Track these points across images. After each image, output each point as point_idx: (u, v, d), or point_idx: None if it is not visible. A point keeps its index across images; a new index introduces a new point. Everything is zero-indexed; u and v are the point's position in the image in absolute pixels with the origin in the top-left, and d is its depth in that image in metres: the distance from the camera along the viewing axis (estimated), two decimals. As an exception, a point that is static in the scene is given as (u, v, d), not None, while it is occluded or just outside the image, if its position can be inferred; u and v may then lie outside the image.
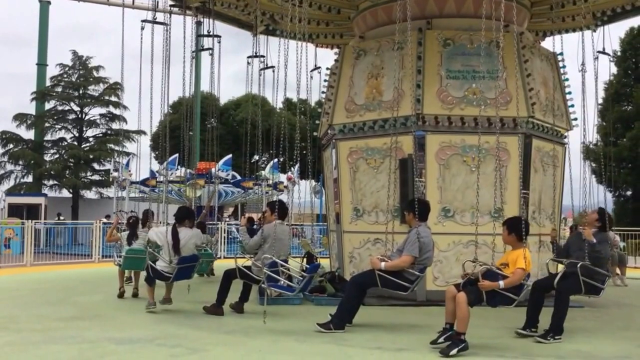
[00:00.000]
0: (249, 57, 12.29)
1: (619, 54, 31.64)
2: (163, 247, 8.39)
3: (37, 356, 5.87)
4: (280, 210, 8.51)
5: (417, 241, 7.04)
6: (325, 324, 7.08)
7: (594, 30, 11.59)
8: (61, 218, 27.57)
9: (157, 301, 8.52)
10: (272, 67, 12.25)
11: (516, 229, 6.55)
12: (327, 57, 13.20)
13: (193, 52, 11.17)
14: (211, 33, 11.63)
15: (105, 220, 21.57)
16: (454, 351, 5.95)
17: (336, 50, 12.72)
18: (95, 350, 6.10)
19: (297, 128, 8.33)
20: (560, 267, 7.25)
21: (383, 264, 7.08)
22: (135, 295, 10.06)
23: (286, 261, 8.09)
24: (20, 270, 15.32)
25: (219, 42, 11.88)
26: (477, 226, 6.83)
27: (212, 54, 11.51)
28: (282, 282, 8.00)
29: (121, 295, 10.02)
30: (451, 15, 10.15)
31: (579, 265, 6.69)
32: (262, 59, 12.23)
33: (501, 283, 6.22)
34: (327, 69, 11.56)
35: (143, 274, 9.85)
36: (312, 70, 11.69)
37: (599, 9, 11.36)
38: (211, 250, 11.97)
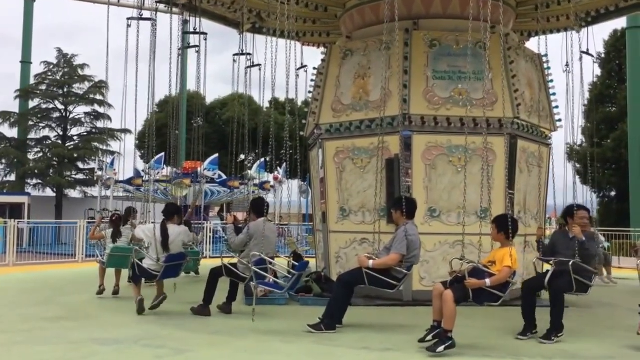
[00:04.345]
0: (235, 54, 12.26)
1: (603, 56, 31.91)
2: (150, 244, 8.32)
3: (21, 356, 5.83)
4: (259, 207, 8.45)
5: (405, 239, 7.05)
6: (316, 325, 7.07)
7: (578, 32, 11.68)
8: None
9: (143, 298, 8.39)
10: (259, 65, 12.23)
11: (505, 227, 6.63)
12: (314, 56, 13.20)
13: (179, 49, 11.11)
14: (197, 30, 11.57)
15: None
16: (441, 348, 6.00)
17: (322, 49, 12.70)
18: (79, 350, 6.07)
19: (285, 127, 8.29)
20: (548, 267, 7.26)
21: (371, 262, 7.09)
22: (115, 293, 10.01)
23: (273, 259, 8.08)
24: (2, 270, 15.13)
25: (205, 40, 11.84)
26: (464, 226, 6.91)
27: (198, 52, 11.47)
28: (270, 280, 8.01)
29: (101, 292, 9.99)
30: (437, 15, 10.17)
31: (570, 263, 6.72)
32: (248, 56, 12.20)
33: (487, 281, 6.28)
34: (314, 68, 11.55)
35: (124, 272, 9.85)
36: (298, 69, 11.66)
37: (583, 9, 11.43)
38: (197, 248, 11.93)
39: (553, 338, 6.65)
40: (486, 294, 6.33)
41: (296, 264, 8.57)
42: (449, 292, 6.22)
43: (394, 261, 7.08)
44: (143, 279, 8.59)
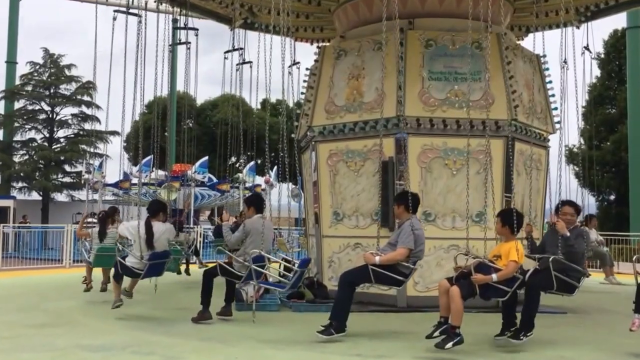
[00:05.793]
0: (226, 51, 12.13)
1: (602, 56, 31.53)
2: (134, 242, 8.20)
3: (5, 365, 5.69)
4: (257, 203, 8.39)
5: (412, 233, 6.90)
6: (325, 330, 6.85)
7: (578, 27, 11.57)
8: (27, 221, 26.98)
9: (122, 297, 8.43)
10: (250, 62, 12.11)
11: (510, 221, 6.57)
12: (307, 54, 13.04)
13: (170, 45, 10.98)
14: (187, 25, 11.43)
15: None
16: (449, 345, 5.95)
17: (316, 45, 12.52)
18: (66, 358, 5.97)
19: (282, 130, 8.12)
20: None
21: (377, 258, 6.89)
22: (103, 290, 10.07)
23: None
24: (-13, 275, 14.88)
25: (196, 35, 11.69)
26: (467, 224, 7.05)
27: (189, 48, 11.33)
28: (270, 279, 7.92)
29: (88, 290, 10.14)
30: (433, 13, 10.00)
31: (550, 260, 6.58)
32: (240, 51, 12.07)
33: (494, 276, 6.22)
34: (307, 69, 11.39)
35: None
36: (290, 66, 11.48)
37: (583, 4, 11.35)
38: (188, 250, 11.79)
39: (522, 338, 6.46)
40: (493, 289, 6.28)
41: (296, 261, 8.42)
42: (455, 288, 6.15)
43: (402, 256, 6.89)
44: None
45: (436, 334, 6.26)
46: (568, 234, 6.66)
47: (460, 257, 6.73)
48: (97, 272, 10.53)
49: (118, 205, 15.01)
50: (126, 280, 8.60)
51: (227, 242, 8.29)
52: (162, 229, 8.34)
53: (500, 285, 6.27)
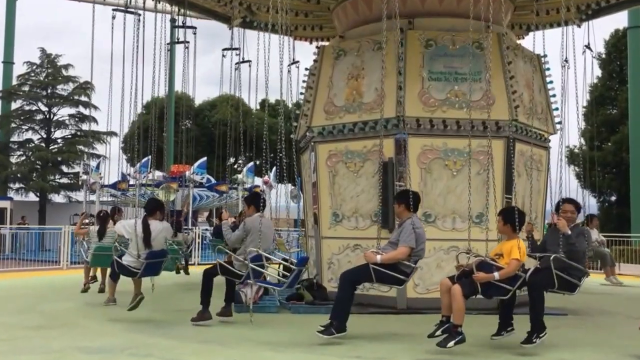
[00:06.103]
0: (224, 49, 12.08)
1: (603, 56, 31.43)
2: (131, 240, 8.15)
3: (1, 368, 5.65)
4: (256, 201, 8.35)
5: (413, 232, 6.86)
6: (325, 330, 6.78)
7: (579, 26, 11.51)
8: (26, 222, 26.89)
9: (116, 297, 8.56)
10: (249, 61, 12.07)
11: (511, 220, 6.56)
12: (306, 53, 12.98)
13: (168, 44, 10.96)
14: (185, 24, 11.40)
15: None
16: (451, 344, 5.94)
17: (315, 44, 12.47)
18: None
19: (280, 131, 8.06)
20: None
21: (379, 256, 6.84)
22: (101, 291, 10.12)
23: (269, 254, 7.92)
24: (-16, 277, 14.81)
25: (195, 34, 11.66)
26: (469, 224, 6.89)
27: (187, 47, 11.30)
28: (267, 278, 7.90)
29: (85, 290, 10.29)
30: (433, 12, 9.94)
31: (552, 258, 6.52)
32: (237, 52, 12.04)
33: (496, 275, 6.20)
34: (306, 69, 11.34)
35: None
36: (290, 65, 11.46)
37: (584, 2, 11.28)
38: (187, 250, 11.78)
39: (534, 340, 6.37)
40: (495, 287, 6.25)
41: (295, 261, 8.39)
42: (457, 287, 6.13)
43: (403, 254, 6.85)
44: None
45: (438, 333, 6.25)
46: (569, 232, 6.61)
47: (461, 255, 6.70)
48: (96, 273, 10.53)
49: (116, 207, 14.99)
50: (129, 284, 8.55)
51: (227, 240, 8.25)
52: (160, 228, 8.30)
53: (502, 284, 6.24)
